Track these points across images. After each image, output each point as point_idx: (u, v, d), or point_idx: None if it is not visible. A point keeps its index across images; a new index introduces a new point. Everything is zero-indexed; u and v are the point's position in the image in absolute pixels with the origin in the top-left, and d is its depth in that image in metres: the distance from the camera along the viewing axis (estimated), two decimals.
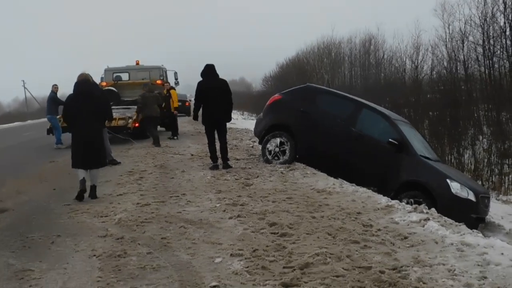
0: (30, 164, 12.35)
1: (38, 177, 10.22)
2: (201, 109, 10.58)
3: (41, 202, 7.71)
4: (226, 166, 10.39)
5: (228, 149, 11.03)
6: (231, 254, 4.84)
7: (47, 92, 16.56)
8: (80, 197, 7.66)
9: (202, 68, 10.65)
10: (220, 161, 10.55)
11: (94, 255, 4.95)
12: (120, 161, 11.53)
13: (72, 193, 7.93)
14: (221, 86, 10.53)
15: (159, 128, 20.14)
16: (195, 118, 11.63)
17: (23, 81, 72.94)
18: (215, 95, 10.32)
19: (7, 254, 5.10)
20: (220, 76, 10.72)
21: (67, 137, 13.33)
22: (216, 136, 10.67)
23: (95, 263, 4.73)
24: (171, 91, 18.10)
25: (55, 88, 16.07)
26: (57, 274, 4.47)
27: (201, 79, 10.53)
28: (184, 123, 22.94)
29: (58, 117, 15.49)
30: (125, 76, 20.35)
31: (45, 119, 17.18)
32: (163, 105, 16.86)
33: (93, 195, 7.79)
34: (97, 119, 7.96)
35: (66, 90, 14.38)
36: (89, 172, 7.86)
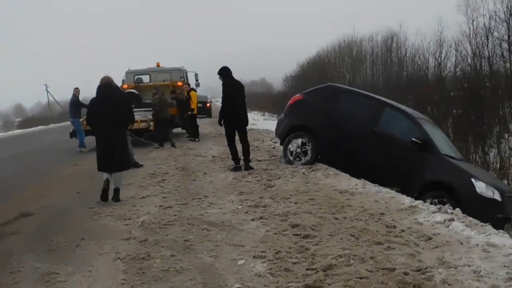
0: (53, 167, 12.50)
1: (61, 180, 10.34)
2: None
3: (65, 206, 7.79)
4: (248, 167, 10.41)
5: (251, 150, 11.04)
6: (253, 256, 4.83)
7: (69, 96, 16.76)
8: (104, 197, 7.76)
9: (219, 70, 10.65)
10: (242, 162, 10.56)
11: (118, 258, 4.99)
12: (142, 164, 11.60)
13: (95, 197, 8.01)
14: (242, 88, 10.64)
15: (179, 130, 20.37)
16: (221, 122, 10.87)
17: (46, 85, 73.81)
18: (239, 97, 10.40)
19: (33, 258, 5.18)
20: (239, 77, 10.80)
21: (90, 140, 13.55)
22: (237, 137, 10.68)
23: (119, 266, 4.77)
24: (191, 93, 18.16)
25: (76, 92, 16.24)
26: (82, 277, 4.53)
27: (220, 81, 10.54)
28: (205, 125, 23.03)
29: (80, 120, 15.67)
30: (146, 78, 20.48)
31: (68, 123, 17.39)
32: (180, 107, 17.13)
33: (116, 198, 7.86)
34: (119, 122, 8.01)
35: (88, 94, 14.59)
36: (113, 175, 7.93)
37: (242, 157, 10.61)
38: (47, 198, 8.50)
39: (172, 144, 15.63)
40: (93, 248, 5.40)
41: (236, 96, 10.44)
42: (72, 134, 16.19)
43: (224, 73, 10.54)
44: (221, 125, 10.93)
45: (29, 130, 34.10)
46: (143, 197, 8.03)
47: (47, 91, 73.00)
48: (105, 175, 7.89)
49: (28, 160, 14.77)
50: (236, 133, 10.65)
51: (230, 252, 5.04)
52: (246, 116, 10.85)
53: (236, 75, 10.74)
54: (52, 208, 7.66)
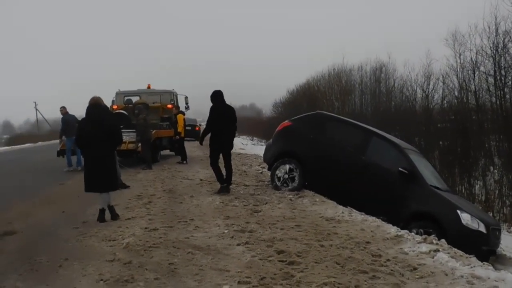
0: (39, 186, 12.38)
1: (47, 199, 10.24)
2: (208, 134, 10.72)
3: (49, 225, 7.71)
4: (228, 189, 10.50)
5: (238, 174, 11.09)
6: (238, 282, 4.81)
7: (58, 114, 16.70)
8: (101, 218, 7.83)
9: (211, 94, 10.76)
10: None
11: (102, 280, 4.94)
12: (129, 185, 11.54)
13: (80, 217, 7.95)
14: (232, 113, 10.70)
15: (168, 152, 20.36)
16: (202, 142, 11.59)
17: (35, 102, 73.62)
18: (227, 121, 10.46)
19: (15, 277, 5.10)
20: (229, 102, 10.91)
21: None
22: (222, 161, 10.74)
23: None
24: (178, 116, 18.20)
25: (62, 110, 16.19)
26: None
27: (211, 104, 10.63)
28: (194, 148, 22.97)
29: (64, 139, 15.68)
30: (136, 100, 20.47)
31: (57, 141, 17.36)
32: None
33: (113, 216, 7.95)
34: (108, 142, 8.01)
35: (78, 113, 14.54)
36: (101, 195, 7.90)
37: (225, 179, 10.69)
38: (32, 217, 8.41)
39: (148, 166, 15.58)
40: (76, 269, 5.33)
41: (223, 119, 10.50)
42: (60, 153, 16.09)
43: (213, 96, 10.64)
44: (201, 144, 11.59)
45: (17, 147, 33.78)
46: (129, 219, 7.96)
47: (36, 109, 72.75)
48: (100, 203, 7.93)
49: (14, 178, 14.60)
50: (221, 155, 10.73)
51: (214, 276, 5.01)
52: (233, 140, 11.01)
53: (226, 99, 10.82)
54: (36, 227, 7.57)
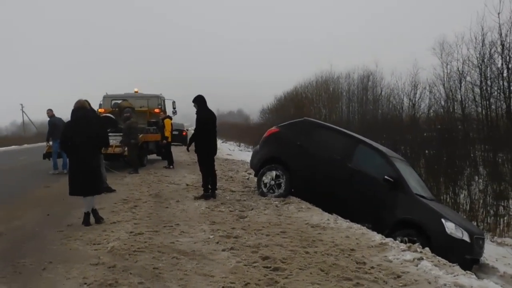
0: (24, 189, 12.29)
1: (32, 202, 10.18)
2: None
3: (34, 228, 7.66)
4: (213, 195, 10.52)
5: (224, 179, 11.09)
6: (223, 287, 4.81)
7: (45, 116, 16.59)
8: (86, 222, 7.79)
9: (195, 97, 10.79)
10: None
11: (85, 283, 4.92)
12: (115, 189, 11.49)
13: (65, 220, 7.91)
14: (215, 118, 10.84)
15: (155, 156, 20.32)
16: (189, 148, 11.63)
17: (21, 104, 72.92)
18: (210, 126, 10.49)
19: None
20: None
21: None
22: None
23: None
24: (165, 121, 18.19)
25: (49, 113, 16.09)
26: None
27: (195, 109, 10.63)
28: (181, 153, 22.93)
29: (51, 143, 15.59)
30: (120, 102, 20.37)
31: (43, 144, 17.26)
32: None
33: (97, 219, 7.90)
34: (94, 146, 7.98)
35: (65, 115, 14.43)
36: (85, 198, 7.85)
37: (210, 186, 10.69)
38: (16, 219, 8.34)
39: (134, 170, 15.53)
40: (60, 272, 5.31)
41: (209, 126, 10.53)
42: (46, 156, 16.00)
43: (199, 101, 10.63)
44: (188, 151, 11.57)
45: (2, 149, 33.45)
46: (114, 223, 7.93)
47: (23, 111, 72.11)
48: (85, 206, 7.89)
49: None
50: None
51: (199, 282, 5.01)
52: (216, 145, 11.06)
53: (214, 105, 10.86)
54: (20, 230, 7.52)
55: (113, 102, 20.14)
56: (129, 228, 7.51)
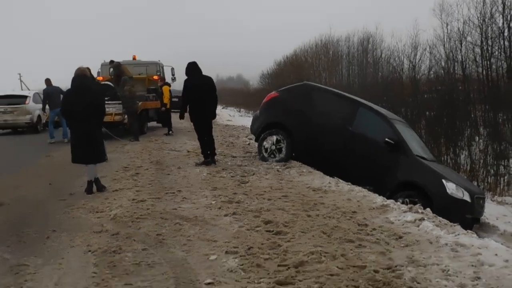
0: (26, 158, 12.32)
1: (34, 171, 10.20)
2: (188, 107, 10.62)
3: (36, 197, 7.69)
4: (213, 161, 10.49)
5: (225, 145, 11.04)
6: (226, 252, 4.84)
7: (44, 86, 16.49)
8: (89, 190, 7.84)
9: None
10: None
11: (89, 251, 4.95)
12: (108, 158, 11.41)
13: (68, 188, 7.94)
14: (207, 83, 10.53)
15: (155, 124, 20.30)
16: (182, 117, 11.46)
17: (20, 74, 72.32)
18: (202, 93, 10.31)
19: (3, 249, 5.10)
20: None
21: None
22: None
23: (90, 259, 4.73)
24: (164, 88, 18.12)
25: (46, 82, 16.00)
26: (52, 270, 4.47)
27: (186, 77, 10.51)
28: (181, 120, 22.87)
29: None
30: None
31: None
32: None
33: (99, 187, 7.95)
34: (94, 113, 7.93)
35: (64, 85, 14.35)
36: (87, 167, 7.86)
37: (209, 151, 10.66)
38: (19, 189, 8.36)
39: (135, 137, 15.54)
40: (64, 241, 5.34)
41: (199, 91, 10.30)
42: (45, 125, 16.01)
43: (187, 69, 10.55)
44: (181, 119, 11.62)
45: None
46: (116, 190, 7.97)
47: (21, 80, 71.58)
48: (87, 175, 7.92)
49: None
50: None
51: (202, 247, 5.04)
52: (210, 110, 10.65)
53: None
54: (23, 200, 7.55)
55: (111, 70, 19.95)
56: (131, 195, 7.54)
